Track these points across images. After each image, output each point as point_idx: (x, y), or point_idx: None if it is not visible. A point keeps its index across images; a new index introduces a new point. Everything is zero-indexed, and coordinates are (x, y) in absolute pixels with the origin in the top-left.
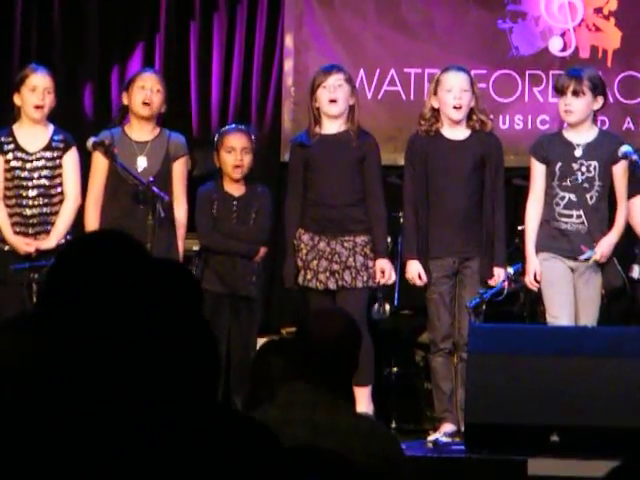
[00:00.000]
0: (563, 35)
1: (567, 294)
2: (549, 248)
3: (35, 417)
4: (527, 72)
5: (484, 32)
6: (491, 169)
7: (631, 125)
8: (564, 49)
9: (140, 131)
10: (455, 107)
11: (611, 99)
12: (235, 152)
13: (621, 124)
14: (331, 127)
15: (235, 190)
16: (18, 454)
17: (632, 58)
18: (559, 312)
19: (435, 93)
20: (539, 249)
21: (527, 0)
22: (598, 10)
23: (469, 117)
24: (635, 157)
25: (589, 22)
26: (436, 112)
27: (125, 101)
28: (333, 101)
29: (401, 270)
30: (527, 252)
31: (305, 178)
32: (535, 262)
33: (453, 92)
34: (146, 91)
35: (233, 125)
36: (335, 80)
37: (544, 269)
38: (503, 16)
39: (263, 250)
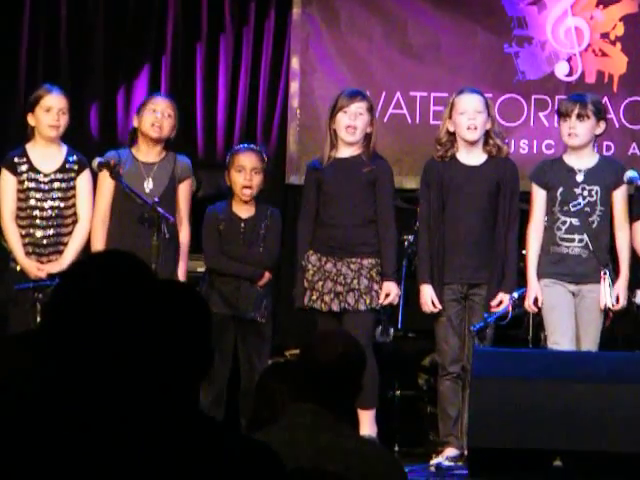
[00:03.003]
0: (569, 60)
1: (569, 320)
2: (550, 274)
3: (31, 433)
4: (533, 97)
5: (490, 56)
6: (506, 195)
7: (637, 150)
8: (570, 74)
9: (147, 153)
10: (469, 128)
11: (617, 124)
12: (245, 172)
13: (627, 149)
14: (345, 151)
15: (243, 211)
16: (15, 467)
17: (638, 83)
18: (560, 338)
19: (450, 117)
20: (540, 275)
21: (533, 25)
22: (604, 35)
23: (485, 141)
24: None
25: (595, 47)
26: (452, 136)
27: (135, 124)
28: (351, 128)
29: (405, 293)
30: (528, 276)
31: (317, 200)
32: (535, 286)
33: (467, 114)
34: (157, 114)
35: (245, 145)
36: (357, 108)
37: (546, 295)
38: (509, 40)
39: (267, 275)
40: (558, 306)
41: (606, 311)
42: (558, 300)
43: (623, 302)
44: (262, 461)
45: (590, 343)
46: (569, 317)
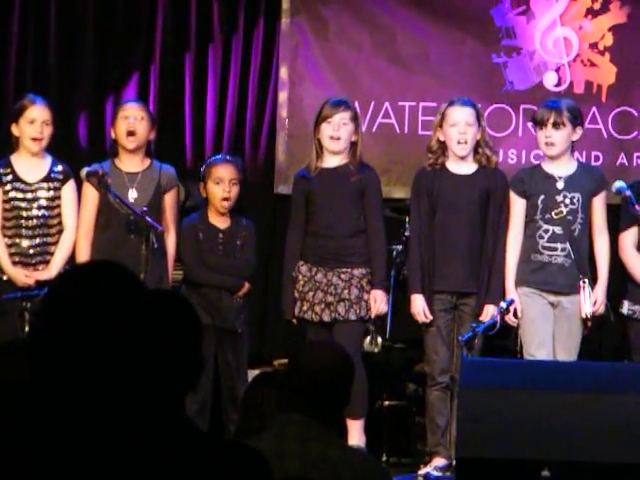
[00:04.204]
0: (558, 70)
1: (547, 333)
2: (528, 282)
3: (17, 442)
4: (521, 107)
5: (479, 66)
6: (495, 205)
7: (625, 161)
8: (559, 84)
9: (130, 163)
10: (459, 142)
11: (605, 134)
12: (223, 183)
13: (615, 160)
14: (332, 161)
15: (220, 222)
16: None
17: (627, 93)
18: (537, 352)
19: (441, 126)
20: (519, 283)
21: (522, 35)
22: (593, 45)
23: (475, 151)
24: (628, 193)
25: (584, 57)
26: (443, 144)
27: (113, 135)
28: (335, 138)
29: (393, 303)
30: (507, 288)
31: (306, 210)
32: (514, 298)
33: (458, 127)
34: (129, 120)
35: (220, 155)
36: (340, 119)
37: (524, 305)
38: (498, 50)
39: (247, 286)
40: (536, 319)
41: (585, 320)
42: (537, 313)
43: (600, 308)
44: (252, 467)
45: (568, 354)
46: (547, 330)
